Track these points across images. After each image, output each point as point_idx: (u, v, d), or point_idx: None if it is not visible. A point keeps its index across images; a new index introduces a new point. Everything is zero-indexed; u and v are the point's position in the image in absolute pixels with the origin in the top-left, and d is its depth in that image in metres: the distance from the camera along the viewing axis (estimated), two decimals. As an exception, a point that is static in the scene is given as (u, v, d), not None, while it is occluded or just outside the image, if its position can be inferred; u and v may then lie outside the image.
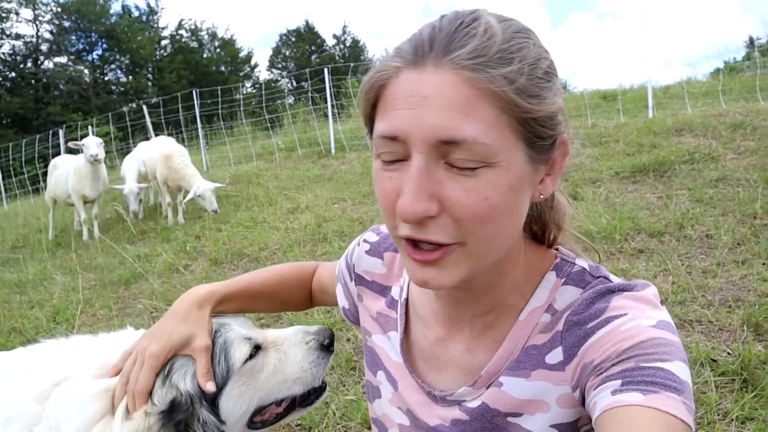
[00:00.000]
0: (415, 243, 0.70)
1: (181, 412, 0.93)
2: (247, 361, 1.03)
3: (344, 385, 2.72)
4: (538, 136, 0.68)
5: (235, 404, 1.01)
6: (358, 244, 1.07)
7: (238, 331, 1.06)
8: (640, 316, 0.70)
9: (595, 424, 0.65)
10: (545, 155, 0.71)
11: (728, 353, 2.57)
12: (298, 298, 1.22)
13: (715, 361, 2.50)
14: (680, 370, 0.64)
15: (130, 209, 7.62)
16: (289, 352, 1.12)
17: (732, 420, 2.13)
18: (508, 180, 0.66)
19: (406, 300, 0.95)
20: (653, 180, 5.31)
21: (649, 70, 8.34)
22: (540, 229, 0.86)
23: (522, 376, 0.78)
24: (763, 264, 3.36)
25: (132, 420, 0.90)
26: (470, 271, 0.72)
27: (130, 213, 7.66)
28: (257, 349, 1.07)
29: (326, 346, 1.15)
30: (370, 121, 0.73)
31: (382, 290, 1.00)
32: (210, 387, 0.95)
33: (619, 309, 0.72)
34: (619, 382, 0.64)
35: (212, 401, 0.98)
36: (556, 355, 0.76)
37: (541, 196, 0.74)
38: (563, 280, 0.80)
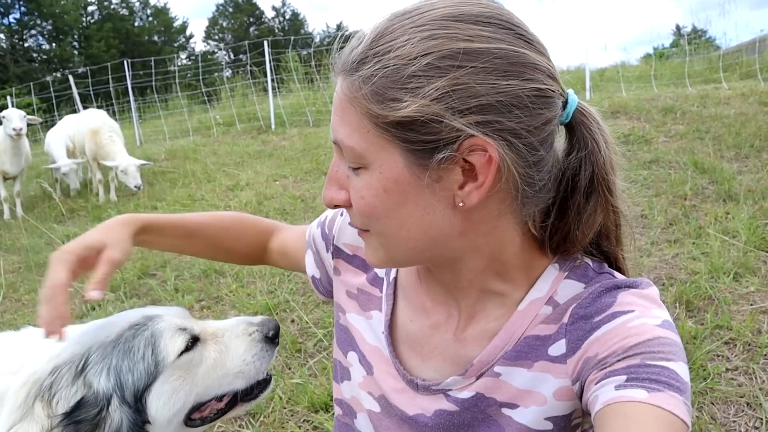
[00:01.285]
0: None
1: (84, 414, 0.85)
2: (182, 353, 0.96)
3: (290, 368, 2.67)
4: (408, 140, 0.65)
5: (168, 401, 0.93)
6: (341, 214, 0.98)
7: (171, 321, 0.98)
8: (647, 315, 0.69)
9: (596, 417, 0.64)
10: (428, 161, 0.65)
11: (662, 329, 2.69)
12: (245, 251, 1.15)
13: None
14: (682, 370, 0.65)
15: (71, 188, 7.19)
16: (230, 344, 1.04)
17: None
18: (382, 183, 0.68)
19: (395, 279, 0.90)
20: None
21: (588, 53, 8.58)
22: (563, 234, 0.77)
23: (524, 366, 0.76)
24: (693, 243, 3.52)
25: (32, 420, 0.83)
26: (392, 259, 0.76)
27: (71, 191, 7.23)
28: (195, 341, 0.99)
29: (271, 338, 1.07)
30: None
31: (364, 265, 0.94)
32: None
33: (627, 305, 0.71)
34: (624, 377, 0.64)
35: (138, 399, 0.90)
36: (558, 348, 0.74)
37: (461, 204, 0.67)
38: (565, 274, 0.78)
